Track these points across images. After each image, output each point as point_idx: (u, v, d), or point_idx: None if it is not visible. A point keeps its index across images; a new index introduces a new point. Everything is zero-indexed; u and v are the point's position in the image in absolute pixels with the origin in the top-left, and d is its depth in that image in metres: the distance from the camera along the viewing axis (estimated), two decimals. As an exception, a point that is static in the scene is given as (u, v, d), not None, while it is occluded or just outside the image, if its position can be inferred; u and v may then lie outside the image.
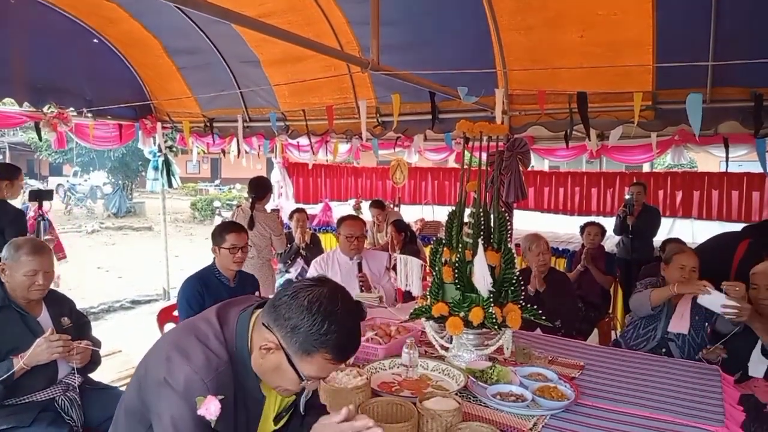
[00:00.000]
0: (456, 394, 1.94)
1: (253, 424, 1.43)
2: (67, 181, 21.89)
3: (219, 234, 3.03)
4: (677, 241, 4.78)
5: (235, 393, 1.34)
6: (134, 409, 1.39)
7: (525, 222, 7.72)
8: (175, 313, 3.34)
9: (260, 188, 4.80)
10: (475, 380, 2.10)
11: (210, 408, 1.24)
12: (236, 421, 1.34)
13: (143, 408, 1.35)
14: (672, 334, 2.96)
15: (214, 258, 3.11)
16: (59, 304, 2.50)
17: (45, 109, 5.11)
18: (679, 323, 2.93)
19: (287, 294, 1.30)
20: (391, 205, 7.74)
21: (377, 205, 6.69)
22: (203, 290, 2.97)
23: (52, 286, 2.45)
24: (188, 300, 2.95)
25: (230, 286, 3.08)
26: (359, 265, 3.52)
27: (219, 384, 1.28)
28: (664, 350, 2.95)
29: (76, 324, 2.48)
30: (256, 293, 3.02)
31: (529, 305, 2.39)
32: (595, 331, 4.59)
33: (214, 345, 1.33)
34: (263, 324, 1.33)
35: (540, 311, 2.33)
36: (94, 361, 2.46)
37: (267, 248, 4.85)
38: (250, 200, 4.74)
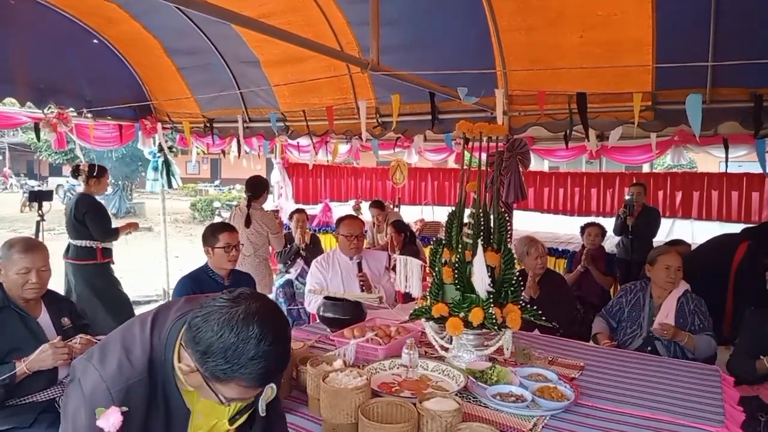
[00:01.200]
0: (456, 395, 1.94)
1: None
2: (67, 181, 21.86)
3: (211, 234, 3.06)
4: (680, 242, 4.79)
5: (151, 405, 1.29)
6: None
7: (525, 222, 7.73)
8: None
9: (257, 187, 4.86)
10: (475, 381, 2.10)
11: (110, 420, 1.19)
12: None
13: None
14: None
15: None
16: (59, 304, 2.49)
17: (45, 110, 5.12)
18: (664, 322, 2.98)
19: (200, 315, 1.21)
20: (391, 206, 7.74)
21: (377, 205, 6.70)
22: (197, 290, 2.99)
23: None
24: None
25: (224, 284, 3.10)
26: (359, 264, 3.53)
27: (128, 395, 1.24)
28: (649, 348, 3.00)
29: (75, 325, 2.48)
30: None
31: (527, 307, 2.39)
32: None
33: (135, 354, 1.28)
34: (181, 343, 1.27)
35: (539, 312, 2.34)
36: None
37: (264, 246, 4.89)
38: (247, 198, 4.80)
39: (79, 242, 4.75)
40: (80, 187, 4.91)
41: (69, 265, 4.81)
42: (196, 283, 3.02)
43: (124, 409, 1.21)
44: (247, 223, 4.68)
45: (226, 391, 1.21)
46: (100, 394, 1.22)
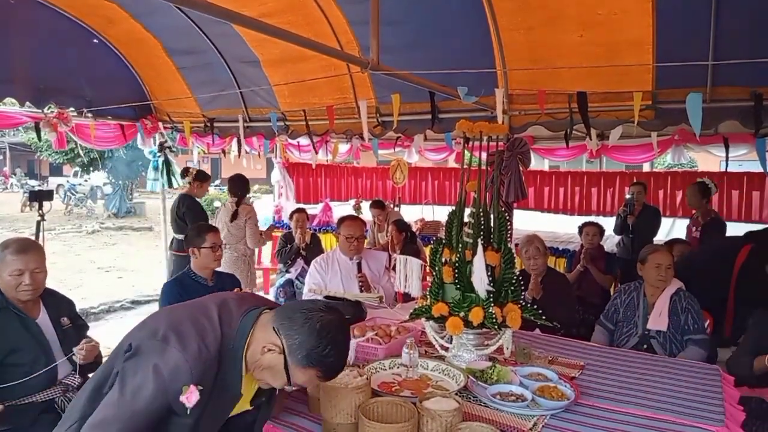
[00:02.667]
0: (456, 394, 1.94)
1: (221, 416, 1.57)
2: (68, 181, 21.89)
3: (198, 235, 3.08)
4: (680, 241, 4.79)
5: (214, 386, 1.45)
6: (101, 378, 1.49)
7: (525, 222, 7.72)
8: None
9: (246, 186, 5.27)
10: (475, 380, 2.10)
11: (191, 397, 1.36)
12: (205, 411, 1.45)
13: (109, 374, 1.47)
14: (653, 331, 3.03)
15: (189, 262, 3.17)
16: (58, 305, 2.48)
17: (45, 110, 5.12)
18: (658, 320, 3.01)
19: (302, 312, 1.48)
20: (392, 205, 7.73)
21: (378, 205, 6.69)
22: (183, 293, 3.01)
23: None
24: (170, 303, 2.97)
25: (208, 285, 3.12)
26: (358, 265, 3.53)
27: (201, 375, 1.40)
28: (645, 346, 3.01)
29: (74, 325, 2.47)
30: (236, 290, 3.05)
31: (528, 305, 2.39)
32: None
33: (209, 340, 1.45)
34: (273, 328, 1.47)
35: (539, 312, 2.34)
36: (95, 360, 2.46)
37: (243, 241, 5.10)
38: (237, 197, 5.13)
39: (181, 236, 5.09)
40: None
41: (172, 255, 5.35)
42: (181, 287, 3.05)
43: (200, 387, 1.38)
44: (234, 217, 5.04)
45: (299, 377, 1.47)
46: (183, 373, 1.38)
